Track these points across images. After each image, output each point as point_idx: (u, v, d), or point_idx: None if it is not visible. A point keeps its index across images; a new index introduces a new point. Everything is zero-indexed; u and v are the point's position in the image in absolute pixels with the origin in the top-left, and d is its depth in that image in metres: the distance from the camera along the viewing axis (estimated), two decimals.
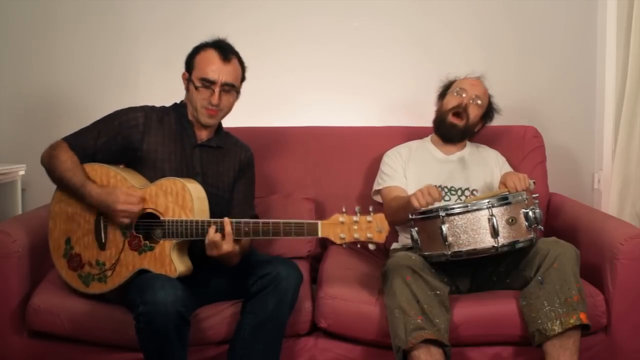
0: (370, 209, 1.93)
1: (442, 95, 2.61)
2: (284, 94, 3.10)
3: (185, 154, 2.15)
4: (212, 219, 1.97)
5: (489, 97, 2.59)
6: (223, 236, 1.94)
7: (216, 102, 2.11)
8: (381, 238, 1.90)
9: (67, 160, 2.05)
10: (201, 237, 1.96)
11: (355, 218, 1.90)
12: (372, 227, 1.90)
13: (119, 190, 1.99)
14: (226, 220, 1.95)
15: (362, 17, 3.12)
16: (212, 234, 1.94)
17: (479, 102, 2.52)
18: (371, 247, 1.92)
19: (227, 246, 1.94)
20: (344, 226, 1.90)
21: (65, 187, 2.07)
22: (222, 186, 2.20)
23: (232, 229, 1.94)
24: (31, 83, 3.13)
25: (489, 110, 2.59)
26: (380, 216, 1.91)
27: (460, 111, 2.50)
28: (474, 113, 2.52)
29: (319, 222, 1.92)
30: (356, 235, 1.90)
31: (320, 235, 1.91)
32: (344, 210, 1.92)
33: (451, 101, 2.53)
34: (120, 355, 2.12)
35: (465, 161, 2.56)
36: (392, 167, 2.54)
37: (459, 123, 2.51)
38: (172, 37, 3.09)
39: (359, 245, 1.94)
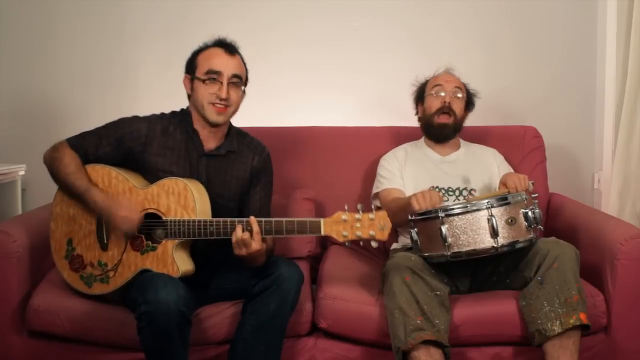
0: (373, 207, 1.93)
1: (420, 98, 2.61)
2: (283, 94, 3.10)
3: (190, 165, 2.11)
4: (237, 219, 1.96)
5: (465, 85, 2.59)
6: (251, 235, 1.93)
7: (225, 95, 2.04)
8: (384, 236, 1.89)
9: (71, 163, 2.04)
10: (204, 237, 1.96)
11: (357, 216, 1.89)
12: (374, 225, 1.88)
13: (122, 197, 1.99)
14: (252, 219, 1.94)
15: (362, 17, 3.12)
16: (240, 233, 1.92)
17: (459, 95, 2.53)
18: (374, 244, 1.91)
19: (256, 244, 1.93)
20: (346, 224, 1.89)
21: (68, 190, 2.06)
22: (227, 194, 2.16)
23: (260, 227, 1.93)
24: (31, 83, 3.13)
25: (470, 99, 2.59)
26: (383, 214, 1.90)
27: (446, 110, 2.50)
28: (458, 107, 2.52)
29: (322, 220, 1.91)
30: (358, 233, 1.89)
31: (323, 233, 1.90)
32: (346, 208, 1.91)
33: (433, 103, 2.52)
34: (121, 355, 2.12)
35: (461, 161, 2.56)
36: (389, 170, 2.53)
37: (448, 121, 2.51)
38: (172, 37, 3.09)
39: (361, 243, 1.93)
